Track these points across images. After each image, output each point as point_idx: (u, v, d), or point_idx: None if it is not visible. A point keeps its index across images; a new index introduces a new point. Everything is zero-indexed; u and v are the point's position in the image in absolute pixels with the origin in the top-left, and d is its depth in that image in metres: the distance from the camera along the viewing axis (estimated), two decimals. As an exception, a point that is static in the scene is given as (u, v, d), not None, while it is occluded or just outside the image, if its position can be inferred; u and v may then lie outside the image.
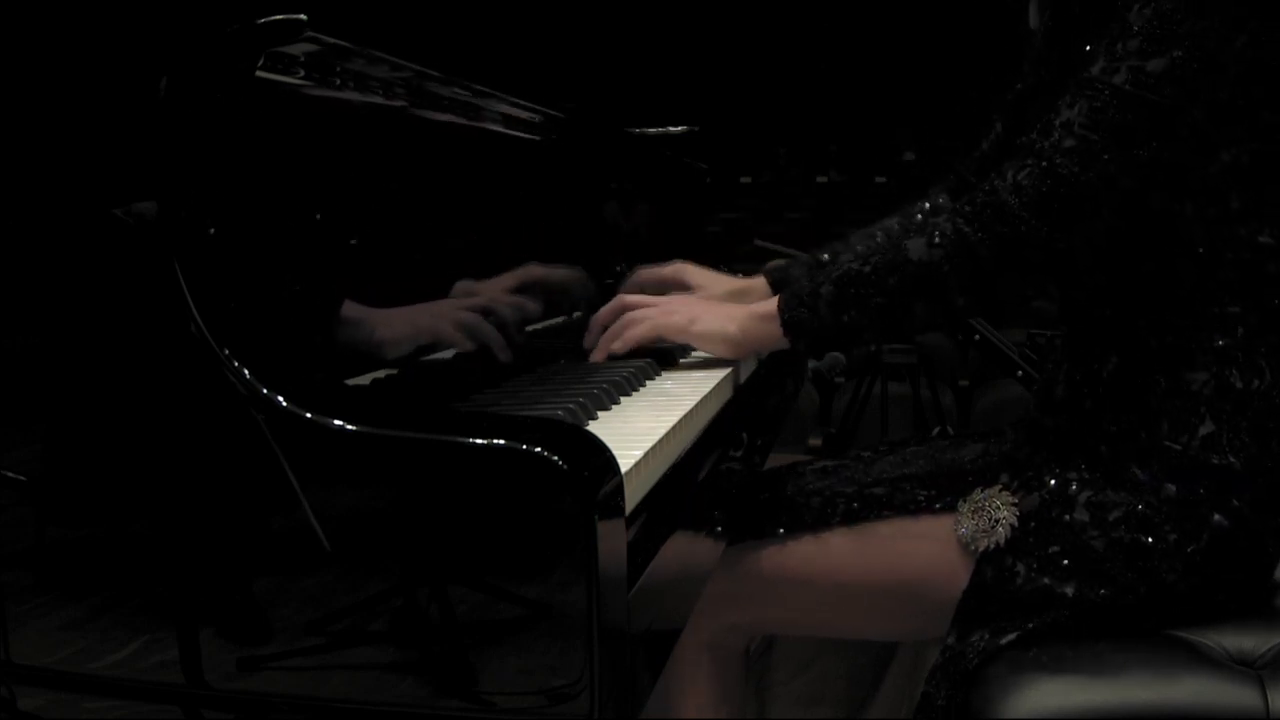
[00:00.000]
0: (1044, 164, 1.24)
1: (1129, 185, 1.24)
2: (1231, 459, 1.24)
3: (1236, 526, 1.24)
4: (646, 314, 1.44)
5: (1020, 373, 3.42)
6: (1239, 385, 1.26)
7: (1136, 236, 1.29)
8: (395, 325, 1.18)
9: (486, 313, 1.34)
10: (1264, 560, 1.30)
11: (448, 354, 1.28)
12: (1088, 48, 1.27)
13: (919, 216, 1.31)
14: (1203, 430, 1.25)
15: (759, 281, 1.65)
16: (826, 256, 1.59)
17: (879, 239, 1.32)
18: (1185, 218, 1.27)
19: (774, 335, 1.39)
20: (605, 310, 1.48)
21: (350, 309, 1.10)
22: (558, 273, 1.44)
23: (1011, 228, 1.25)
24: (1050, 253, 1.26)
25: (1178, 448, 1.26)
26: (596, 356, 1.45)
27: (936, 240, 1.28)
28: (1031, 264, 1.27)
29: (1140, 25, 1.21)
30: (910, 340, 4.05)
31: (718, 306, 1.47)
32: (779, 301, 1.38)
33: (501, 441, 0.83)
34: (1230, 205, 1.27)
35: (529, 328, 1.50)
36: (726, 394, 1.43)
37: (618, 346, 1.43)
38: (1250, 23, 1.22)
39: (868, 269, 1.31)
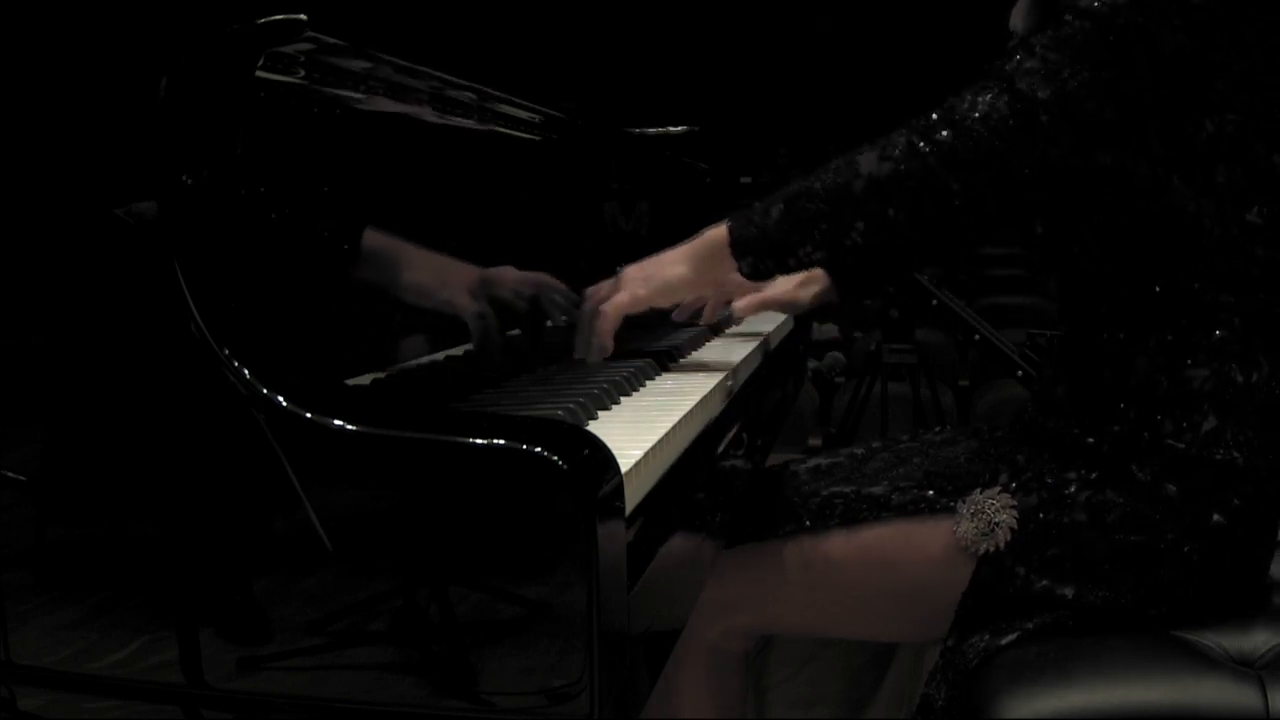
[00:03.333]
0: (1004, 84, 1.22)
1: (1091, 111, 1.21)
2: (1235, 454, 1.24)
3: (1234, 524, 1.24)
4: (605, 299, 1.39)
5: (1020, 373, 3.42)
6: (1239, 379, 1.26)
7: (1126, 212, 1.28)
8: (421, 272, 1.17)
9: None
10: (1261, 556, 1.30)
11: (443, 355, 1.28)
12: None
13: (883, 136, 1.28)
14: (1206, 426, 1.25)
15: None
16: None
17: (840, 158, 1.29)
18: (1173, 189, 1.26)
19: (726, 262, 1.34)
20: (585, 315, 1.43)
21: (372, 238, 1.09)
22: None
23: (964, 142, 1.22)
24: (1005, 176, 1.22)
25: (1180, 446, 1.25)
26: (584, 355, 1.43)
27: (887, 153, 1.24)
28: (983, 186, 1.22)
29: None
30: (910, 340, 4.04)
31: (666, 255, 1.42)
32: (728, 222, 1.34)
33: (501, 441, 0.83)
34: (1216, 178, 1.25)
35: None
36: (726, 394, 1.43)
37: (596, 347, 1.38)
38: None
39: (818, 185, 1.28)
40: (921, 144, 1.23)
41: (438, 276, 1.22)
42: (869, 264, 1.28)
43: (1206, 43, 1.22)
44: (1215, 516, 1.24)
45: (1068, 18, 1.21)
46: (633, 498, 0.93)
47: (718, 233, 1.35)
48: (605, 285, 1.44)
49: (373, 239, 1.11)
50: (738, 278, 1.36)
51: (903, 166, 1.23)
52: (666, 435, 1.08)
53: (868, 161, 1.25)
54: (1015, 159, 1.21)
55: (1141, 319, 1.29)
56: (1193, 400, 1.26)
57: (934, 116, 1.24)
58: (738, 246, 1.32)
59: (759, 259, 1.32)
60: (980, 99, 1.23)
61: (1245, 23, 1.23)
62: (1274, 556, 1.34)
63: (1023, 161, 1.21)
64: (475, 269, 1.31)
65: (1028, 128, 1.21)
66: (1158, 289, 1.28)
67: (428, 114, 1.34)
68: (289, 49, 1.01)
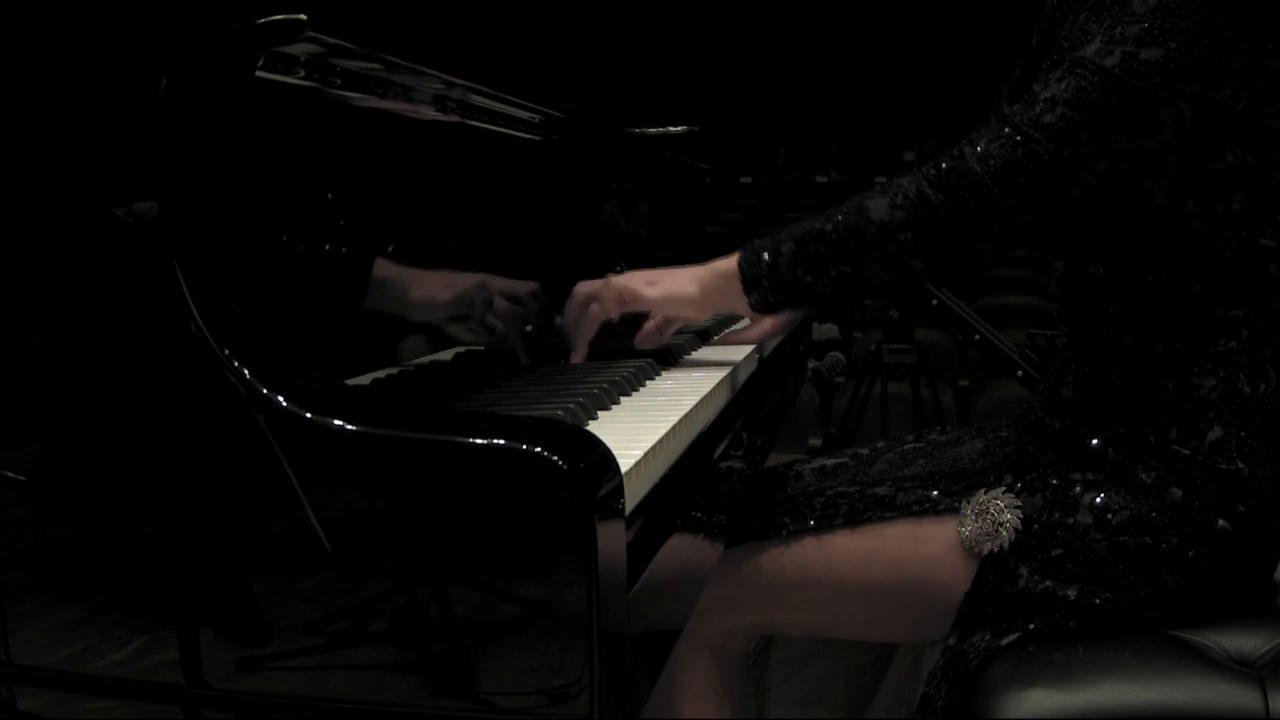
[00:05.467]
0: (1018, 136, 1.23)
1: (1103, 170, 1.23)
2: (1240, 464, 1.24)
3: (1239, 530, 1.24)
4: (602, 291, 1.42)
5: (1020, 373, 3.42)
6: (1246, 390, 1.25)
7: (1138, 231, 1.29)
8: (431, 288, 1.18)
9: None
10: (1265, 563, 1.30)
11: (447, 355, 1.28)
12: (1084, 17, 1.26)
13: (891, 181, 1.30)
14: (1211, 436, 1.25)
15: None
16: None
17: (848, 202, 1.31)
18: (1188, 213, 1.27)
19: (735, 293, 1.37)
20: (573, 311, 1.45)
21: (383, 268, 1.10)
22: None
23: (974, 195, 1.23)
24: (1012, 226, 1.25)
25: (1186, 452, 1.25)
26: (576, 358, 1.44)
27: (898, 201, 1.26)
28: (992, 234, 1.26)
29: (1143, 12, 1.21)
30: (910, 340, 4.04)
31: (675, 270, 1.45)
32: (739, 257, 1.37)
33: (501, 441, 0.83)
34: (1233, 205, 1.26)
35: (529, 328, 1.50)
36: (726, 394, 1.43)
37: (585, 332, 1.42)
38: (1257, 27, 1.21)
39: (829, 227, 1.30)
40: (932, 194, 1.25)
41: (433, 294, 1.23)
42: (880, 298, 1.32)
43: (1238, 111, 1.23)
44: (1220, 522, 1.24)
45: (1092, 76, 1.21)
46: (633, 498, 0.93)
47: (728, 265, 1.38)
48: (587, 284, 1.44)
49: (379, 269, 1.12)
50: (743, 306, 1.39)
51: (915, 215, 1.25)
52: (666, 435, 1.08)
53: (879, 208, 1.27)
54: (1024, 211, 1.24)
55: (1149, 324, 1.29)
56: (1198, 408, 1.26)
57: (945, 166, 1.26)
58: (748, 283, 1.35)
59: (768, 295, 1.35)
60: (992, 150, 1.24)
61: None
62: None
63: (1033, 212, 1.24)
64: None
65: (1039, 186, 1.23)
66: (1167, 297, 1.28)
67: (428, 113, 1.34)
68: (289, 49, 1.01)
